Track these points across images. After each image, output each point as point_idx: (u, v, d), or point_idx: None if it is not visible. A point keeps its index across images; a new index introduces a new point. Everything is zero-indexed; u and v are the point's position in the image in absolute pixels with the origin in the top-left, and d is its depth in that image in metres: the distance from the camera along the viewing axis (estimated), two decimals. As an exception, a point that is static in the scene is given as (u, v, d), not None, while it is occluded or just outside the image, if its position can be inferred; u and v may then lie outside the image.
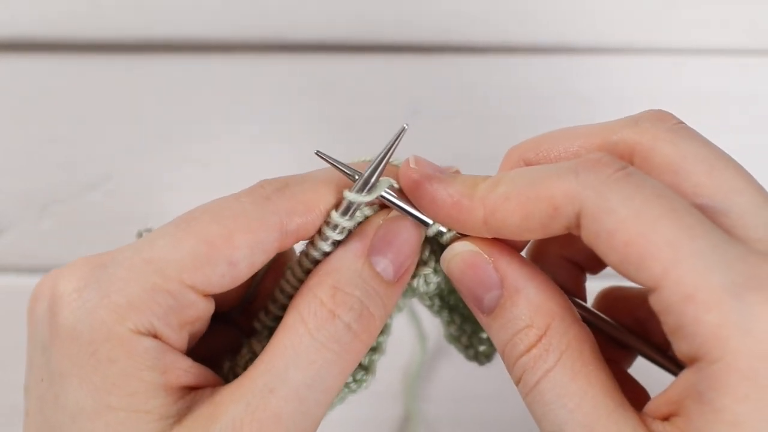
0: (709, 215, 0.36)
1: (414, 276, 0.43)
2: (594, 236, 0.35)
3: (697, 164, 0.37)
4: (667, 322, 0.34)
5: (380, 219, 0.41)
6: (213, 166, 0.77)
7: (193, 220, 0.39)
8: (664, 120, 0.40)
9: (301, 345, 0.38)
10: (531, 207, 0.36)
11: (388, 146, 0.40)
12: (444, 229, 0.41)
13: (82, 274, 0.38)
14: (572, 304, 0.39)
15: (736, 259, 0.33)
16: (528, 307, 0.38)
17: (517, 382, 0.38)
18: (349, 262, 0.40)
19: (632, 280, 0.35)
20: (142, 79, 0.79)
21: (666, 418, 0.35)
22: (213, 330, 0.45)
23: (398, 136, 0.40)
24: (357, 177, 0.41)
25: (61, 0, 0.77)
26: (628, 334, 0.44)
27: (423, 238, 0.42)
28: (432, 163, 0.41)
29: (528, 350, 0.37)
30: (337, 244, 0.41)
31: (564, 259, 0.45)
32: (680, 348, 0.34)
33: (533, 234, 0.38)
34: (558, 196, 0.35)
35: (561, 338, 0.37)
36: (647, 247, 0.33)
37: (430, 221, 0.41)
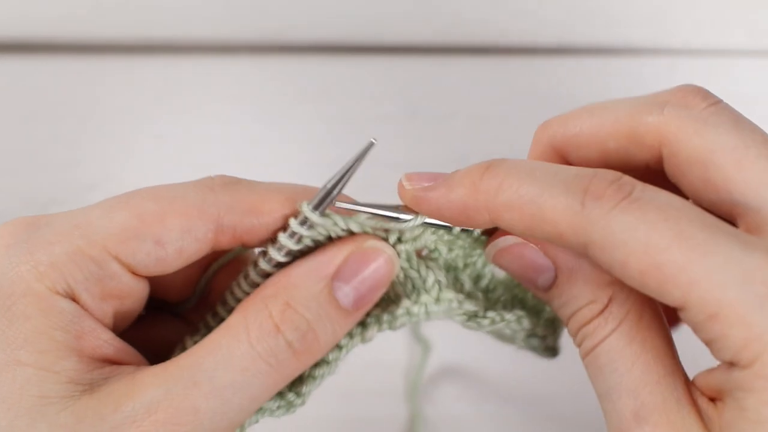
0: (740, 211, 0.36)
1: (413, 304, 0.42)
2: (608, 266, 0.35)
3: (725, 157, 0.36)
4: (700, 337, 0.34)
5: (354, 245, 0.40)
6: (213, 166, 0.77)
7: (132, 196, 0.39)
8: (691, 105, 0.38)
9: (237, 349, 0.38)
10: (534, 224, 0.36)
11: (351, 162, 0.40)
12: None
13: (14, 231, 0.39)
14: None
15: (755, 268, 0.33)
16: (587, 284, 0.38)
17: (578, 345, 0.39)
18: (309, 281, 0.39)
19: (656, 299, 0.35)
20: (142, 79, 0.79)
21: (713, 399, 0.35)
22: (160, 322, 0.45)
23: (364, 151, 0.39)
24: (395, 217, 0.40)
25: (61, 0, 0.77)
26: None
27: (394, 274, 0.41)
28: (424, 173, 0.40)
29: (590, 321, 0.38)
30: (290, 255, 0.40)
31: None
32: (716, 356, 0.34)
33: (540, 241, 0.38)
34: (562, 225, 0.35)
35: (621, 307, 0.37)
36: (662, 276, 0.33)
37: (405, 218, 0.40)
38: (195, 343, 0.40)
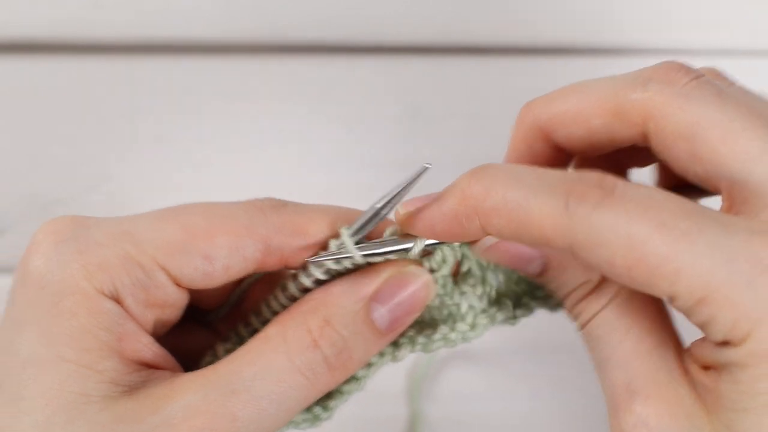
0: (726, 185, 0.36)
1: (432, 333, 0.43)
2: (596, 265, 0.35)
3: (711, 130, 0.37)
4: (692, 321, 0.35)
5: (394, 269, 0.41)
6: (213, 166, 0.77)
7: (182, 210, 0.40)
8: (674, 81, 0.39)
9: (276, 361, 0.38)
10: (522, 229, 0.36)
11: (400, 187, 0.40)
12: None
13: (64, 228, 0.39)
14: None
15: (739, 248, 0.33)
16: (577, 269, 0.39)
17: (574, 320, 0.40)
18: (348, 301, 0.40)
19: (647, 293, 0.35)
20: (142, 79, 0.79)
21: (707, 369, 0.36)
22: (189, 330, 0.45)
23: (416, 177, 0.40)
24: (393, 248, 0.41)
25: (61, 0, 0.77)
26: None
27: (430, 299, 0.42)
28: (419, 197, 0.41)
29: (585, 297, 0.39)
30: (329, 273, 0.41)
31: None
32: (710, 337, 0.35)
33: (531, 246, 0.39)
34: (547, 228, 0.35)
35: (614, 283, 0.38)
36: (648, 269, 0.33)
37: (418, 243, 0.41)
38: (226, 351, 0.41)
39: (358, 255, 0.40)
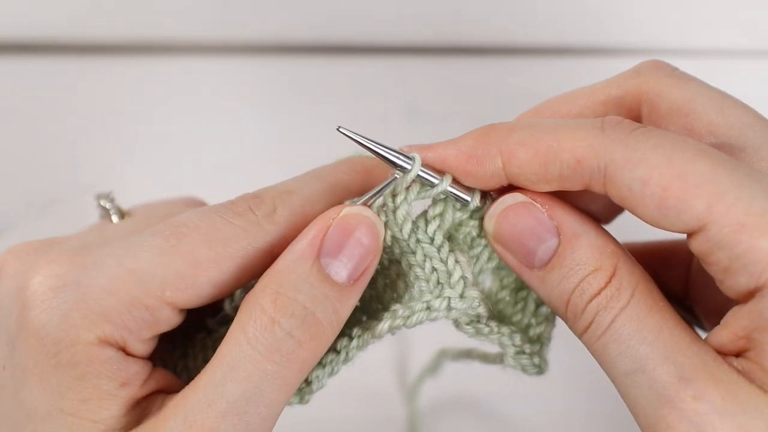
0: (726, 152, 0.36)
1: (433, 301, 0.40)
2: (626, 188, 0.34)
3: (706, 104, 0.37)
4: (719, 260, 0.33)
5: (332, 215, 0.39)
6: (213, 166, 0.77)
7: (182, 235, 0.38)
8: (663, 68, 0.40)
9: (239, 356, 0.36)
10: (551, 156, 0.36)
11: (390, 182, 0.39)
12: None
13: (62, 272, 0.37)
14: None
15: None
16: (592, 251, 0.37)
17: (586, 328, 0.37)
18: (294, 264, 0.37)
19: (671, 228, 0.34)
20: (142, 79, 0.79)
21: (738, 354, 0.34)
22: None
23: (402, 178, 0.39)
24: (381, 152, 0.39)
25: (61, 1, 0.77)
26: None
27: (383, 235, 0.39)
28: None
29: (599, 292, 0.36)
30: None
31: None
32: (738, 282, 0.33)
33: (550, 185, 0.37)
34: (581, 148, 0.35)
35: (630, 276, 0.36)
36: (686, 187, 0.32)
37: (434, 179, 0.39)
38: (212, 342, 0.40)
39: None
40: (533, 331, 0.45)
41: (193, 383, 0.37)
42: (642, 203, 0.34)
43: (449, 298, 0.39)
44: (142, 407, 0.38)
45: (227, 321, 0.42)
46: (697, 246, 0.33)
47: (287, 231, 0.39)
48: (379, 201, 0.40)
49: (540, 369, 0.45)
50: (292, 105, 0.79)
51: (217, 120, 0.78)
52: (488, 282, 0.45)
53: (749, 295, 0.33)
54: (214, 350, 0.39)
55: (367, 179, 0.42)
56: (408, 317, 0.40)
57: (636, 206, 0.34)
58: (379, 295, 0.43)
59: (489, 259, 0.43)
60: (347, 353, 0.41)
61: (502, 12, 0.78)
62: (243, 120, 0.78)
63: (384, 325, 0.40)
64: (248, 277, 0.39)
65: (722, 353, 0.35)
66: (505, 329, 0.42)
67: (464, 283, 0.40)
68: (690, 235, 0.33)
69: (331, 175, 0.41)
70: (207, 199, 0.51)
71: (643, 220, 0.35)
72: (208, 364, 0.37)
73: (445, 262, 0.40)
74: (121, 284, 0.37)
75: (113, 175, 0.76)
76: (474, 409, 0.71)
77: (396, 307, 0.41)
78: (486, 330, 0.42)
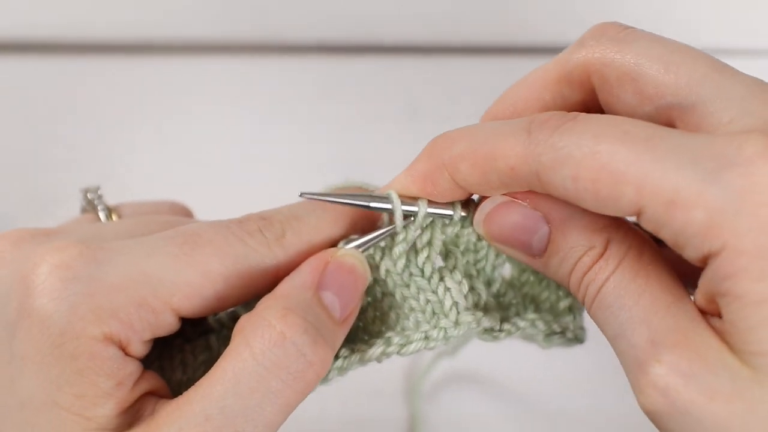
0: (677, 112, 0.36)
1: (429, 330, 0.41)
2: (561, 188, 0.34)
3: (652, 66, 0.37)
4: (666, 237, 0.33)
5: (330, 252, 0.40)
6: (213, 166, 0.77)
7: (196, 245, 0.38)
8: (607, 32, 0.39)
9: (243, 371, 0.35)
10: (487, 166, 0.36)
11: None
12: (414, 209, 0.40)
13: (74, 264, 0.37)
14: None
15: (702, 148, 0.32)
16: (583, 231, 0.37)
17: (583, 299, 0.37)
18: (297, 291, 0.38)
19: (617, 215, 0.34)
20: (142, 79, 0.79)
21: (719, 315, 0.34)
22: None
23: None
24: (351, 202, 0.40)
25: (61, 0, 0.77)
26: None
27: (367, 277, 0.40)
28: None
29: (590, 268, 0.37)
30: None
31: None
32: (688, 255, 0.33)
33: (500, 190, 0.38)
34: (511, 157, 0.35)
35: (620, 246, 0.36)
36: (613, 175, 0.32)
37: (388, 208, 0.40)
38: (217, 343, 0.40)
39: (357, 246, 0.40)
40: (563, 304, 0.45)
41: (187, 394, 0.36)
42: (580, 198, 0.34)
43: (445, 328, 0.40)
44: (135, 410, 0.37)
45: (207, 331, 0.42)
46: (645, 226, 0.34)
47: (294, 257, 0.40)
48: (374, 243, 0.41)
49: (577, 339, 0.46)
50: (292, 105, 0.79)
51: (217, 120, 0.78)
52: (508, 271, 0.45)
53: (704, 263, 0.33)
54: (193, 355, 0.40)
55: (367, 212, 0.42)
56: (404, 345, 0.41)
57: (576, 201, 0.35)
58: (367, 326, 0.44)
59: (497, 255, 0.44)
60: (332, 381, 0.41)
61: (501, 12, 0.78)
62: (243, 120, 0.78)
63: (376, 350, 0.41)
64: (249, 296, 0.39)
65: (706, 313, 0.35)
66: (524, 323, 0.43)
67: (457, 309, 0.41)
68: (638, 218, 0.34)
69: (334, 205, 0.41)
70: (206, 199, 0.51)
71: (591, 211, 0.35)
72: (204, 378, 0.36)
73: (436, 292, 0.41)
74: (132, 283, 0.37)
75: (113, 175, 0.76)
76: (474, 409, 0.71)
77: (390, 334, 0.41)
78: (503, 335, 0.43)
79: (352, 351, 0.41)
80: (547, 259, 0.38)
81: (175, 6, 0.78)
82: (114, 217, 0.47)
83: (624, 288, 0.36)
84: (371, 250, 0.41)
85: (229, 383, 0.35)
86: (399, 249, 0.41)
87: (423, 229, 0.41)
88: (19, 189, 0.76)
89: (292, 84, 0.79)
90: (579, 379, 0.69)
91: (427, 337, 0.41)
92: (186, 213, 0.50)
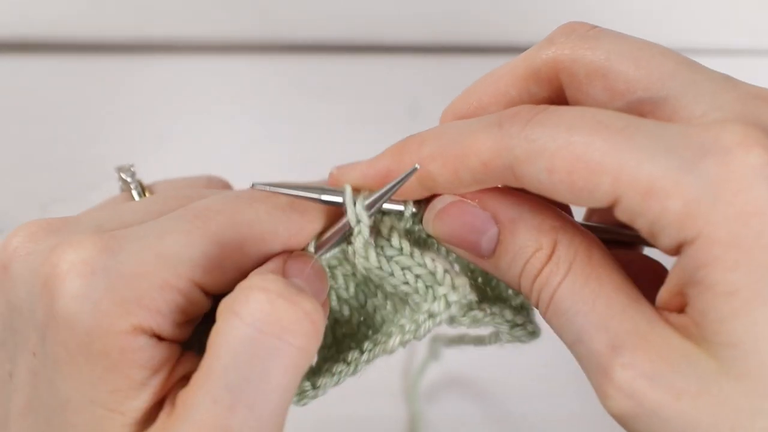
0: (649, 107, 0.36)
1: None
2: (536, 180, 0.34)
3: (622, 62, 0.37)
4: (641, 226, 0.33)
5: (289, 252, 0.39)
6: (213, 166, 0.77)
7: (206, 218, 0.38)
8: (576, 30, 0.39)
9: (236, 340, 0.34)
10: (459, 164, 0.36)
11: (392, 185, 0.39)
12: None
13: (90, 257, 0.36)
14: (569, 216, 0.38)
15: (678, 137, 0.32)
16: (531, 232, 0.37)
17: (536, 305, 0.37)
18: (269, 273, 0.37)
19: (592, 206, 0.34)
20: (142, 79, 0.79)
21: (681, 311, 0.34)
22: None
23: (407, 176, 0.38)
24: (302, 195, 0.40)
25: (61, 0, 0.77)
26: (619, 230, 0.42)
27: (326, 273, 0.40)
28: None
29: (540, 271, 0.36)
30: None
31: None
32: (663, 244, 0.33)
33: (470, 188, 0.37)
34: (484, 152, 0.35)
35: (568, 249, 0.36)
36: (589, 166, 0.32)
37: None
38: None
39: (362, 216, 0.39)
40: (515, 302, 0.45)
41: (194, 381, 0.35)
42: (555, 191, 0.34)
43: (444, 295, 0.39)
44: (173, 398, 0.36)
45: None
46: (620, 217, 0.33)
47: (305, 222, 0.40)
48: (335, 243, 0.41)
49: (535, 333, 0.45)
50: (292, 104, 0.79)
51: (217, 119, 0.78)
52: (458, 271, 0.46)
53: (677, 252, 0.32)
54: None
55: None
56: (415, 330, 0.40)
57: (551, 194, 0.34)
58: (374, 325, 0.44)
59: (448, 252, 0.43)
60: (356, 366, 0.41)
61: (501, 12, 0.78)
62: (243, 119, 0.78)
63: (395, 339, 0.40)
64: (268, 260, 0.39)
65: (667, 310, 0.34)
66: (496, 308, 0.43)
67: (450, 275, 0.40)
68: (612, 208, 0.33)
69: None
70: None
71: (565, 203, 0.35)
72: (202, 361, 0.35)
73: (423, 265, 0.40)
74: (150, 267, 0.36)
75: (113, 175, 0.76)
76: (474, 409, 0.71)
77: (403, 321, 0.41)
78: (481, 315, 0.42)
79: (375, 344, 0.41)
80: (497, 260, 0.38)
81: (175, 6, 0.78)
82: (147, 195, 0.47)
83: (577, 293, 0.35)
84: (341, 254, 0.42)
85: (226, 357, 0.34)
86: (359, 242, 0.40)
87: (382, 216, 0.41)
88: (19, 189, 0.76)
89: (293, 84, 0.79)
90: (579, 380, 0.69)
91: (431, 315, 0.40)
92: (224, 186, 0.50)
